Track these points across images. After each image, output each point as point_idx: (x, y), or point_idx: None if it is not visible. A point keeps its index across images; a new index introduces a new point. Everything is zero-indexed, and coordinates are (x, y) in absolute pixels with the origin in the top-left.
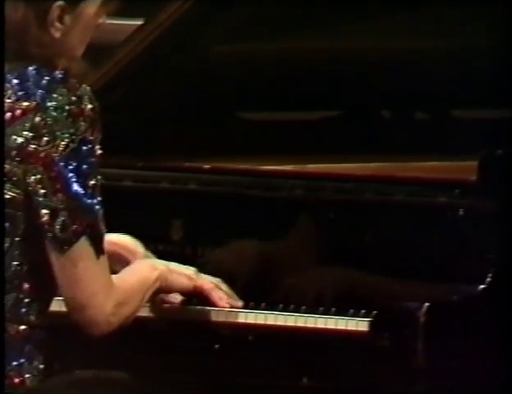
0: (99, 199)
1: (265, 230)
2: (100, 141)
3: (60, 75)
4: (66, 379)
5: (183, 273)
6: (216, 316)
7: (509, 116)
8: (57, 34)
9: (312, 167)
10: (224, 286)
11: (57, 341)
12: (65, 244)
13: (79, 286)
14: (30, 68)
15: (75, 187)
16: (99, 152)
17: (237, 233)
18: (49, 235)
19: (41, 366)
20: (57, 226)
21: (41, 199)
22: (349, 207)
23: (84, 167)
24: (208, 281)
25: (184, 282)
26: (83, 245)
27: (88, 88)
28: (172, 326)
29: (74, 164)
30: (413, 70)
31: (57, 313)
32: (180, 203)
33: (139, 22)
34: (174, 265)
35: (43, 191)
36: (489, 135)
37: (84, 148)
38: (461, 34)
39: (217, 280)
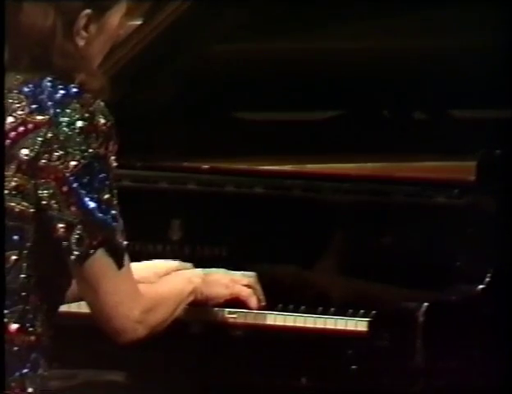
0: (115, 212)
1: (264, 230)
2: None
3: (74, 90)
4: (66, 380)
5: (219, 283)
6: (215, 316)
7: (508, 116)
8: (81, 43)
9: (311, 167)
10: (258, 283)
11: (57, 343)
12: (82, 257)
13: (101, 298)
14: (46, 80)
15: (88, 202)
16: (114, 164)
17: (236, 233)
18: (67, 249)
19: (45, 373)
20: (74, 240)
21: (55, 213)
22: (348, 207)
23: (97, 182)
24: (244, 289)
25: (220, 293)
26: (100, 258)
27: (102, 103)
28: (175, 326)
29: (85, 180)
30: (411, 70)
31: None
32: (179, 204)
33: (138, 22)
34: (211, 275)
35: (56, 205)
36: (488, 135)
37: (97, 164)
38: (460, 34)
39: (252, 276)
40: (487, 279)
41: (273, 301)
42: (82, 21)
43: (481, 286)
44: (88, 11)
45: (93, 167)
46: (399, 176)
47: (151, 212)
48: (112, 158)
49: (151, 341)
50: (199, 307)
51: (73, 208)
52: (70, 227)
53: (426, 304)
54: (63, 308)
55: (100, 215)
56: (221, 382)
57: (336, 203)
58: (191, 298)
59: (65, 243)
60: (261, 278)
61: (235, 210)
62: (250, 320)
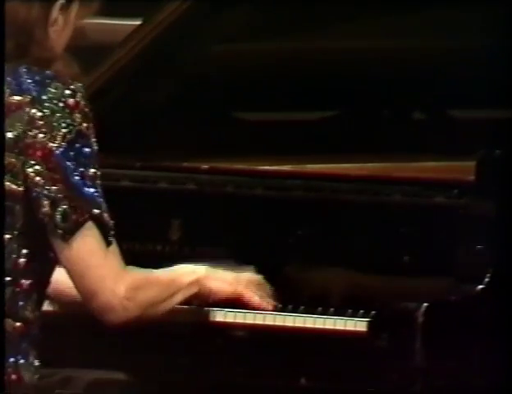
0: (99, 188)
1: (263, 230)
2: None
3: (51, 73)
4: (66, 380)
5: (223, 279)
6: (214, 316)
7: (508, 116)
8: (53, 35)
9: (310, 168)
10: (264, 285)
11: (56, 342)
12: (67, 233)
13: (86, 273)
14: (21, 67)
15: (74, 177)
16: (96, 147)
17: (235, 233)
18: (51, 225)
19: (36, 363)
20: (58, 216)
21: (40, 189)
22: (347, 207)
23: (82, 157)
24: (247, 290)
25: (223, 288)
26: (86, 234)
27: (80, 85)
28: (173, 326)
29: (71, 154)
30: (410, 70)
31: (55, 314)
32: (178, 204)
33: (137, 22)
34: (215, 271)
35: (42, 182)
36: (487, 136)
37: (81, 139)
38: (460, 34)
39: (258, 278)
40: (487, 279)
41: (272, 301)
42: (55, 13)
43: (480, 287)
44: (61, 1)
45: (77, 142)
46: (398, 176)
47: (150, 212)
48: (94, 140)
49: (151, 341)
50: (201, 305)
51: (59, 184)
52: (54, 203)
53: (425, 304)
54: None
55: (86, 189)
56: (220, 382)
57: (336, 204)
58: (194, 289)
59: (48, 219)
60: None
61: (235, 210)
62: (249, 320)
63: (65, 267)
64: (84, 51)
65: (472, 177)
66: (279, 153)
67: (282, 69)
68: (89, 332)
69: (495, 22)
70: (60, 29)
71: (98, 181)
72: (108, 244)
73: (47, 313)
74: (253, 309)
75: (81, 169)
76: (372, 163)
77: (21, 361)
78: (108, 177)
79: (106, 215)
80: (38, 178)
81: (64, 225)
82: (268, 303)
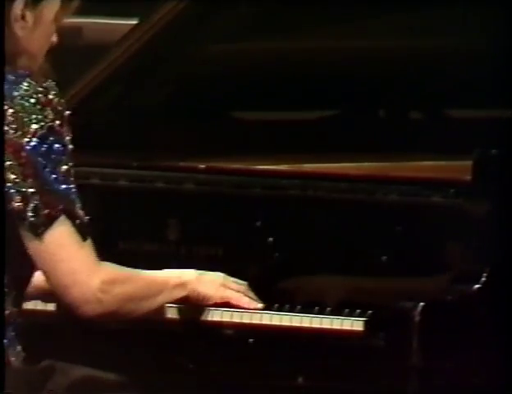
0: (73, 186)
1: (262, 229)
2: (71, 139)
3: (23, 71)
4: (65, 380)
5: (212, 284)
6: (211, 316)
7: (504, 115)
8: (20, 33)
9: (307, 167)
10: (249, 291)
11: (52, 340)
12: (38, 228)
13: (58, 267)
14: None
15: (46, 173)
16: (71, 146)
17: (233, 233)
18: (22, 220)
19: (23, 354)
20: (30, 211)
21: (12, 185)
22: (344, 206)
23: (54, 153)
24: (234, 291)
25: (211, 294)
26: (58, 229)
27: (53, 83)
28: (172, 326)
29: (43, 150)
30: (407, 69)
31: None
32: (175, 203)
33: (134, 22)
34: (205, 275)
35: (13, 177)
36: (484, 135)
37: (52, 137)
38: (458, 34)
39: (243, 283)
40: (484, 278)
41: (269, 301)
42: (18, 8)
43: (477, 286)
44: None
45: (49, 139)
46: (395, 175)
47: (148, 211)
48: (68, 138)
49: (151, 341)
50: (194, 307)
51: (30, 179)
52: (25, 199)
53: (422, 303)
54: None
55: (58, 186)
56: (216, 382)
57: (333, 203)
58: (180, 292)
59: (20, 214)
60: (259, 278)
61: (232, 210)
62: (246, 320)
63: (37, 262)
64: (81, 50)
65: (468, 177)
66: (276, 153)
67: (279, 69)
68: (80, 329)
69: (494, 22)
70: (30, 26)
71: (72, 178)
72: (83, 239)
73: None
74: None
75: (52, 165)
76: (369, 163)
77: (10, 347)
78: (105, 177)
79: (79, 211)
80: (9, 174)
81: (35, 220)
82: (256, 304)
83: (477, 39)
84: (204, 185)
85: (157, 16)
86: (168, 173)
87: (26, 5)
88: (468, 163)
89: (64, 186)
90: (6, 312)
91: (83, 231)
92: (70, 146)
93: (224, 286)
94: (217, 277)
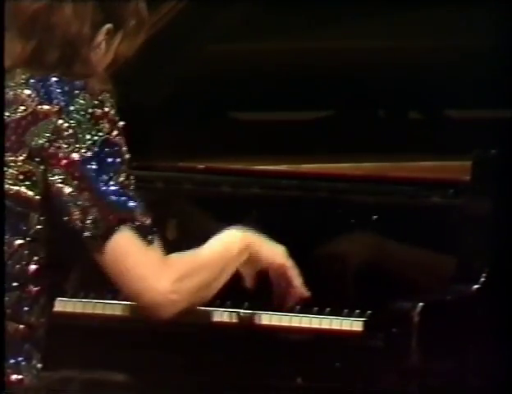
0: (132, 194)
1: (260, 229)
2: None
3: (81, 83)
4: (69, 382)
5: (274, 249)
6: (210, 316)
7: (504, 116)
8: (94, 58)
9: (306, 167)
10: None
11: (57, 342)
12: (100, 239)
13: (126, 275)
14: (51, 76)
15: (101, 186)
16: (127, 156)
17: None
18: (83, 233)
19: (39, 365)
20: (89, 224)
21: (67, 198)
22: (343, 207)
23: (109, 165)
24: (292, 267)
25: (273, 255)
26: (119, 238)
27: (108, 95)
28: (172, 326)
29: (96, 164)
30: (407, 70)
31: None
32: (175, 203)
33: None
34: (264, 238)
35: (68, 191)
36: (483, 135)
37: (108, 149)
38: (458, 34)
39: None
40: (482, 279)
41: (268, 301)
42: (101, 37)
43: (476, 286)
44: (108, 26)
45: (103, 152)
46: (394, 175)
47: (147, 212)
48: (125, 149)
49: (151, 341)
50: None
51: (85, 193)
52: (84, 211)
53: (421, 304)
54: (64, 308)
55: (115, 198)
56: (216, 381)
57: (332, 203)
58: (244, 256)
59: (80, 226)
60: (257, 278)
61: (231, 210)
62: (246, 320)
63: (106, 271)
64: None
65: (468, 177)
66: (275, 153)
67: (278, 69)
68: (88, 332)
69: (494, 22)
70: (101, 54)
71: (131, 187)
72: (148, 243)
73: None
74: (288, 289)
75: (107, 178)
76: (368, 163)
77: (23, 363)
78: None
79: (139, 216)
80: (64, 187)
81: (96, 232)
82: (304, 291)
83: (477, 39)
84: (203, 185)
85: (156, 16)
86: (167, 173)
87: (107, 34)
88: (468, 163)
89: (121, 197)
90: (24, 327)
91: (146, 236)
92: (127, 156)
93: (286, 255)
94: (279, 246)
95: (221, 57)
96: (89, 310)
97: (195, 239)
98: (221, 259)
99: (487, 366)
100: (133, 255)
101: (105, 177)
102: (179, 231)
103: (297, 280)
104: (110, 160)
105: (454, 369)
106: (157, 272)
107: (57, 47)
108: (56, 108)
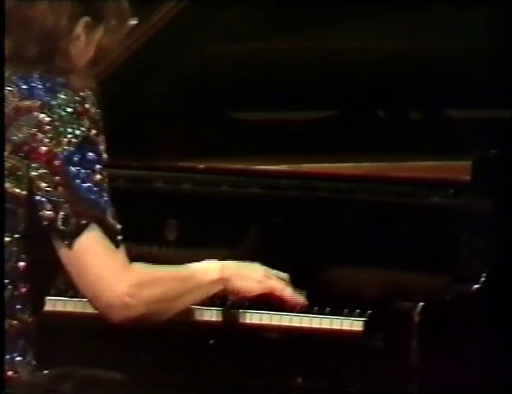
0: (106, 194)
1: (260, 229)
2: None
3: (63, 80)
4: (65, 379)
5: (252, 278)
6: (210, 316)
7: (504, 116)
8: (74, 51)
9: (306, 167)
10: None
11: (55, 341)
12: (68, 236)
13: (87, 274)
14: (34, 73)
15: (78, 182)
16: (105, 156)
17: (232, 233)
18: (53, 229)
19: (33, 362)
20: (60, 220)
21: (43, 193)
22: (343, 207)
23: (88, 163)
24: (278, 282)
25: (252, 287)
26: (87, 237)
27: (91, 93)
28: (172, 326)
29: (76, 160)
30: (406, 70)
31: (53, 313)
32: (174, 203)
33: (134, 22)
34: (244, 268)
35: (44, 185)
36: (483, 135)
37: (88, 146)
38: (458, 34)
39: (286, 275)
40: (483, 279)
41: (269, 301)
42: (79, 29)
43: (476, 286)
44: (86, 19)
45: (83, 148)
46: (394, 175)
47: (146, 212)
48: (102, 147)
49: (150, 341)
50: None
51: (60, 188)
52: (56, 207)
53: (421, 304)
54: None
55: (88, 194)
56: (216, 381)
57: (332, 203)
58: (218, 287)
59: (50, 222)
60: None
61: (231, 210)
62: (246, 320)
63: (67, 269)
64: None
65: (468, 177)
66: (275, 153)
67: (278, 69)
68: (85, 330)
69: (494, 22)
70: (81, 47)
71: (105, 186)
72: (115, 246)
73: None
74: (285, 304)
75: (85, 174)
76: (368, 163)
77: (18, 358)
78: None
79: (110, 219)
80: (41, 182)
81: (66, 229)
82: (300, 298)
83: (477, 39)
84: (203, 185)
85: (156, 17)
86: (167, 173)
87: (85, 27)
88: (468, 163)
89: (95, 195)
90: (17, 323)
91: (114, 239)
92: (105, 155)
93: (266, 277)
94: (258, 269)
95: (221, 56)
96: (79, 309)
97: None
98: (186, 281)
99: (487, 366)
100: (96, 255)
101: (82, 174)
102: (179, 232)
103: (287, 294)
104: (88, 157)
105: (454, 369)
106: (118, 275)
107: (36, 41)
108: (38, 103)
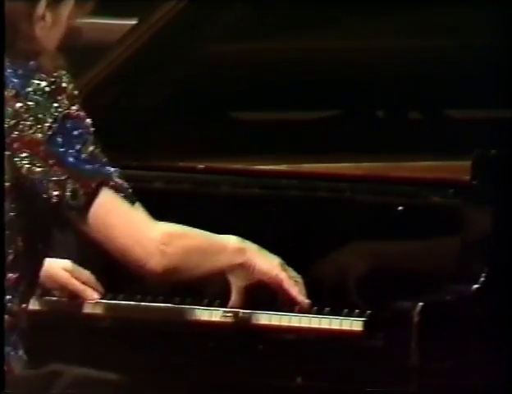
0: (105, 160)
1: (260, 229)
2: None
3: (34, 64)
4: (65, 379)
5: (272, 262)
6: (209, 316)
7: (504, 116)
8: (39, 32)
9: (306, 167)
10: (303, 287)
11: (55, 341)
12: (83, 209)
13: (115, 233)
14: (5, 61)
15: (70, 159)
16: (92, 129)
17: (232, 233)
18: (65, 206)
19: (25, 357)
20: (69, 196)
21: (41, 176)
22: (343, 207)
23: (75, 138)
24: (288, 278)
25: (268, 268)
26: (103, 200)
27: (64, 72)
28: (171, 326)
29: (61, 139)
30: (406, 69)
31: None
32: (174, 203)
33: (133, 22)
34: (263, 250)
35: (39, 170)
36: (483, 135)
37: (70, 123)
38: (458, 34)
39: (298, 276)
40: (482, 279)
41: (268, 301)
42: (41, 9)
43: (476, 286)
44: None
45: (65, 126)
46: (394, 175)
47: (146, 212)
48: (88, 120)
49: (150, 341)
50: (195, 307)
51: (55, 168)
52: (61, 186)
53: (420, 304)
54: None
55: (88, 166)
56: (214, 381)
57: (332, 203)
58: (238, 258)
59: (59, 201)
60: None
61: (231, 210)
62: (245, 320)
63: (94, 238)
64: (80, 50)
65: (467, 177)
66: (275, 153)
67: (277, 69)
68: (80, 328)
69: (495, 22)
70: (48, 26)
71: (101, 155)
72: (131, 203)
73: (36, 310)
74: (287, 300)
75: (75, 150)
76: (368, 163)
77: (11, 353)
78: None
79: (118, 180)
80: (34, 167)
81: (77, 201)
82: (304, 299)
83: (477, 39)
84: (203, 185)
85: (156, 16)
86: (167, 173)
87: (47, 6)
88: (468, 163)
89: (94, 165)
90: (9, 317)
91: (128, 196)
92: (92, 128)
93: (282, 267)
94: (276, 257)
95: (221, 56)
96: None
97: None
98: (215, 244)
99: (487, 366)
100: (118, 213)
101: (73, 151)
102: None
103: (293, 290)
104: (75, 133)
105: (454, 369)
106: (146, 225)
107: None
108: (12, 92)
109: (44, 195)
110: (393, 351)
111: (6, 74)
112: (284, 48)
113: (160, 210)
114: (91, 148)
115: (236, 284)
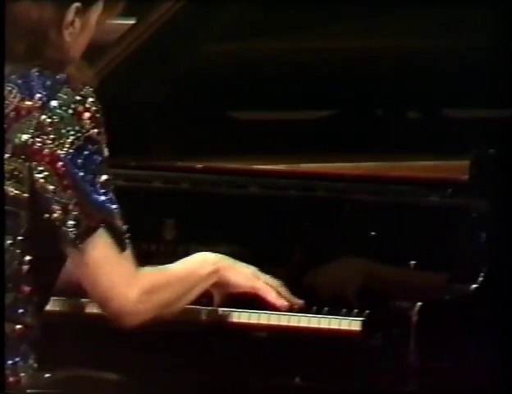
0: (112, 195)
1: (259, 229)
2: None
3: (63, 77)
4: (65, 379)
5: (243, 273)
6: (209, 316)
7: (503, 116)
8: (68, 38)
9: (305, 167)
10: (283, 289)
11: (55, 341)
12: (78, 239)
13: (97, 279)
14: (33, 71)
15: (84, 184)
16: (107, 153)
17: (230, 233)
18: (62, 231)
19: (35, 365)
20: (70, 222)
21: (51, 195)
22: (341, 206)
23: (92, 164)
24: (264, 285)
25: (241, 282)
26: (97, 240)
27: (91, 90)
28: (172, 326)
29: (80, 161)
30: (405, 69)
31: (54, 313)
32: (172, 203)
33: (132, 21)
34: (237, 263)
35: (52, 188)
36: (481, 135)
37: (90, 146)
38: (458, 34)
39: (276, 282)
40: (481, 279)
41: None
42: (70, 16)
43: (474, 286)
44: (77, 4)
45: (87, 149)
46: (393, 175)
47: (145, 211)
48: (105, 146)
49: (150, 341)
50: (195, 307)
51: (69, 191)
52: (66, 210)
53: (419, 303)
54: (59, 307)
55: (97, 197)
56: (214, 381)
57: (331, 203)
58: (213, 279)
59: (61, 226)
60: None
61: (229, 210)
62: (244, 320)
63: (76, 271)
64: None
65: (466, 177)
66: (274, 153)
67: (277, 68)
68: (87, 332)
69: (494, 22)
70: (77, 32)
71: (111, 187)
72: (122, 249)
73: (46, 313)
74: (268, 305)
75: (91, 176)
76: (367, 162)
77: (20, 363)
78: None
79: (118, 221)
80: (47, 184)
81: (76, 231)
82: (284, 302)
83: (477, 39)
84: (201, 184)
85: (154, 16)
86: (165, 173)
87: (77, 12)
88: (466, 163)
89: (103, 197)
90: (21, 327)
91: (122, 242)
92: (107, 154)
93: (255, 276)
94: (250, 268)
95: (221, 56)
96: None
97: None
98: (190, 279)
99: (487, 366)
100: (107, 261)
101: (89, 175)
102: (177, 231)
103: (271, 297)
104: (93, 158)
105: (454, 369)
106: (129, 281)
107: (22, 37)
108: (38, 104)
109: (47, 215)
110: (392, 351)
111: (33, 83)
112: (284, 47)
113: (158, 210)
114: (105, 176)
115: (217, 295)
